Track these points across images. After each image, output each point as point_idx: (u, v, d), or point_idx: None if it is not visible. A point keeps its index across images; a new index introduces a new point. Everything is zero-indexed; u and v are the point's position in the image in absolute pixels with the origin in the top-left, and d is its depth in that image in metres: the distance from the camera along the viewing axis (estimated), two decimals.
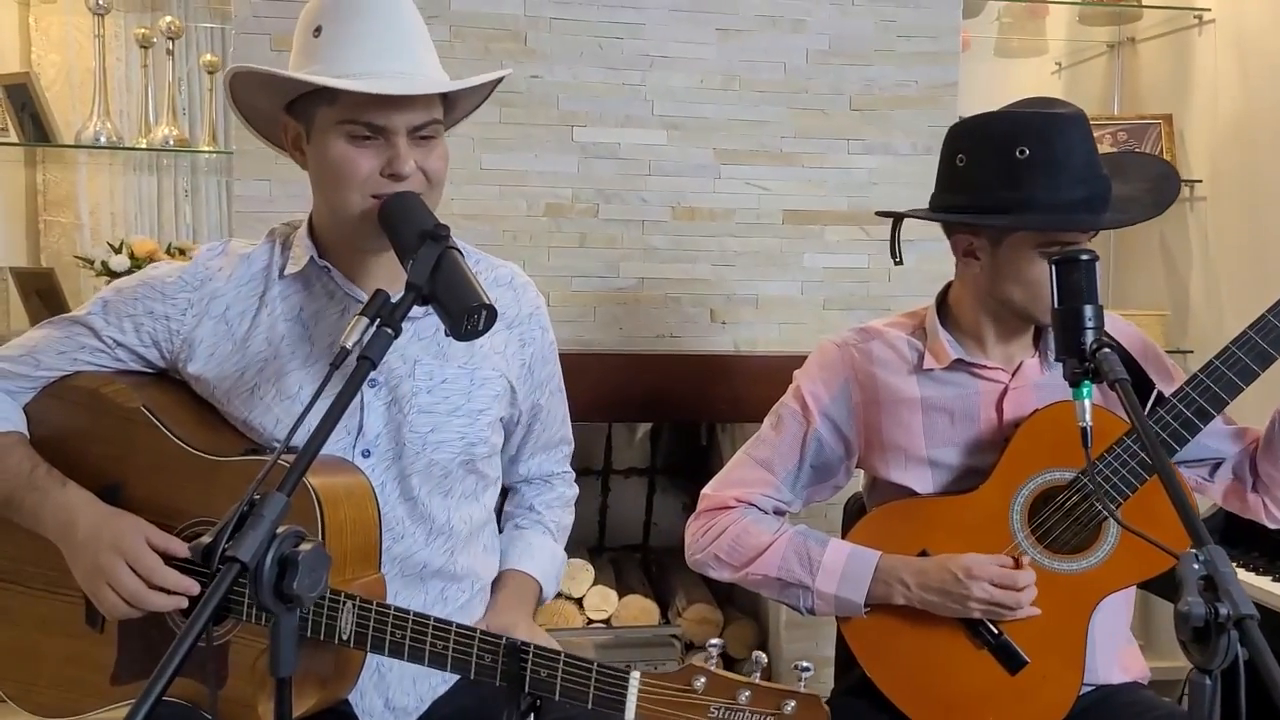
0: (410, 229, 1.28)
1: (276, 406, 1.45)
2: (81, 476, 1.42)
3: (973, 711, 1.60)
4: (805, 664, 1.20)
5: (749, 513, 1.71)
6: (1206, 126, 3.11)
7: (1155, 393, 1.53)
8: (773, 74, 2.56)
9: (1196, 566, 0.97)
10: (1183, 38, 3.18)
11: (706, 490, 1.76)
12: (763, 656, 1.21)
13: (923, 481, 1.66)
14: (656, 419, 2.98)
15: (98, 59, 3.12)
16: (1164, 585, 1.59)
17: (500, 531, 1.68)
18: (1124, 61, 3.43)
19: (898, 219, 1.72)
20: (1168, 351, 3.02)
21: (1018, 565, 1.56)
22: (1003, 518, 1.59)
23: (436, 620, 1.28)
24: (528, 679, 1.25)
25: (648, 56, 2.51)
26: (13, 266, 3.13)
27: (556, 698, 1.25)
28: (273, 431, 1.45)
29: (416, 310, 1.23)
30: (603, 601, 2.79)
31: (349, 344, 1.13)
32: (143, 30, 3.20)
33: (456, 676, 1.54)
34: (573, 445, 1.76)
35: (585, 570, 2.79)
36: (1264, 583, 2.20)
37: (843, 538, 1.70)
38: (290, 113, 1.43)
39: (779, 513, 1.74)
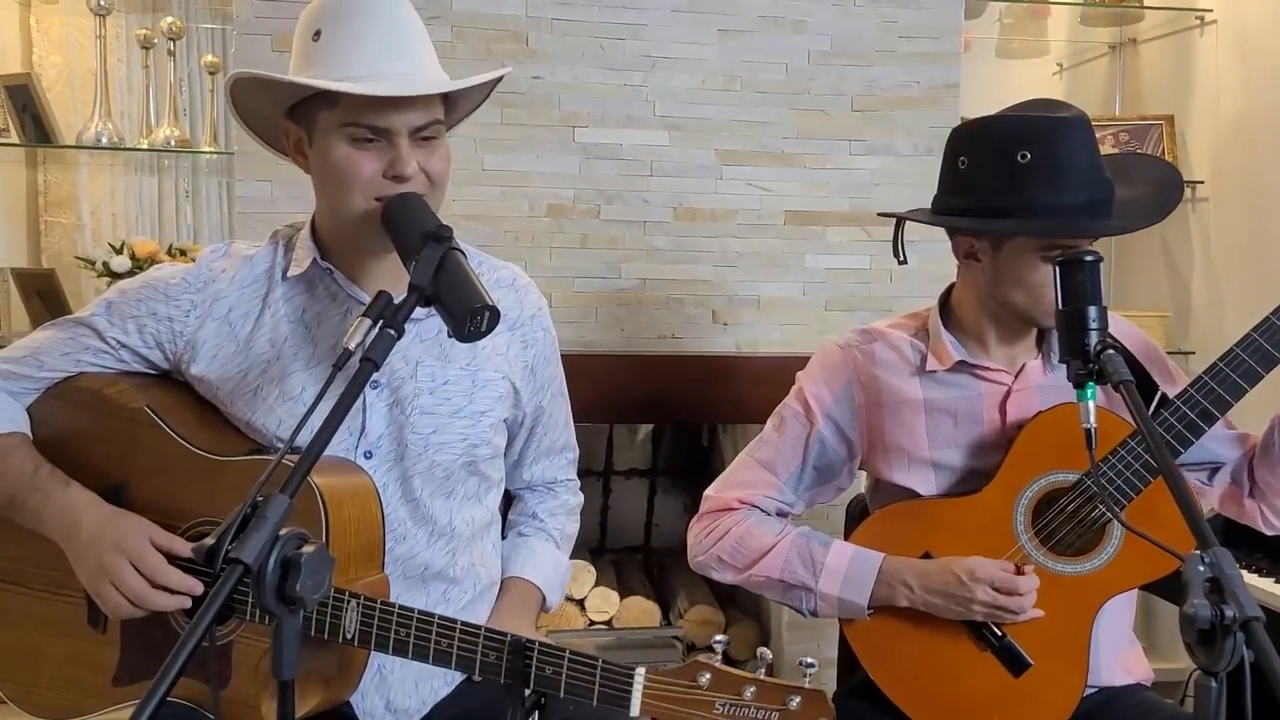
0: (413, 230, 1.28)
1: (279, 407, 1.45)
2: (85, 477, 1.42)
3: (976, 714, 1.59)
4: (810, 660, 1.20)
5: (752, 514, 1.70)
6: (1208, 127, 3.11)
7: (1159, 394, 1.52)
8: (774, 75, 2.56)
9: (1202, 569, 0.97)
10: (1184, 38, 3.18)
11: (709, 492, 1.76)
12: (767, 653, 1.21)
13: (926, 483, 1.66)
14: (658, 420, 2.98)
15: (99, 60, 3.12)
16: (1165, 587, 1.60)
17: (504, 538, 1.67)
18: (1125, 62, 3.43)
19: (900, 220, 1.72)
20: (1169, 353, 3.02)
21: (1020, 570, 1.55)
22: (1006, 520, 1.59)
23: (441, 618, 1.28)
24: (533, 676, 1.25)
25: (649, 57, 2.51)
26: (14, 267, 3.13)
27: (562, 695, 1.24)
28: (275, 432, 1.45)
29: (419, 311, 1.23)
30: (604, 603, 2.79)
31: (352, 345, 1.13)
32: (144, 31, 3.20)
33: (459, 679, 1.54)
34: (577, 452, 1.75)
35: (587, 571, 2.79)
36: (1267, 584, 2.20)
37: (845, 539, 1.70)
38: (291, 117, 1.43)
39: (782, 514, 1.74)
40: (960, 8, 2.66)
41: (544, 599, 1.63)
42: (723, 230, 2.57)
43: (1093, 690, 1.62)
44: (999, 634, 1.58)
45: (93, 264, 3.07)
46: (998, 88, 3.27)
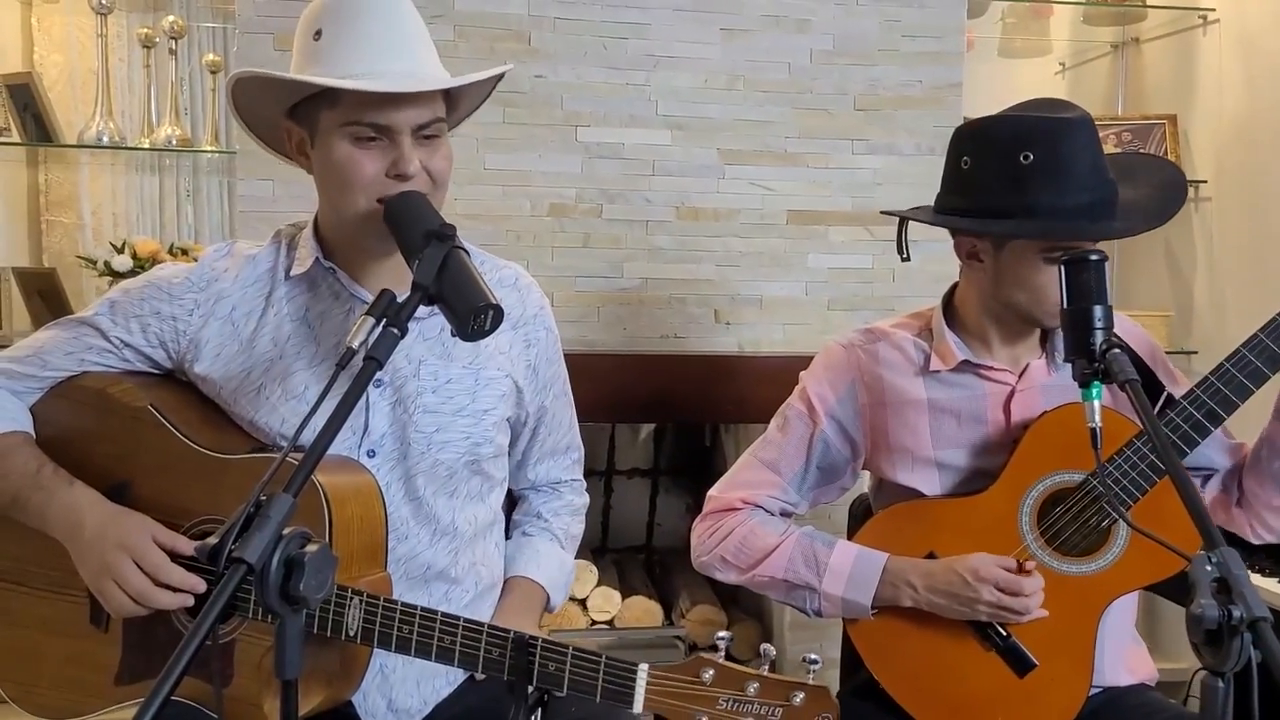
0: (415, 229, 1.28)
1: (282, 406, 1.44)
2: (88, 476, 1.42)
3: (980, 714, 1.59)
4: (813, 657, 1.20)
5: (755, 514, 1.70)
6: (1211, 127, 3.10)
7: (1165, 395, 1.52)
8: (777, 74, 2.56)
9: (1209, 569, 0.96)
10: (1187, 38, 3.18)
11: (713, 492, 1.75)
12: (770, 649, 1.21)
13: (930, 483, 1.65)
14: (660, 420, 2.98)
15: (100, 59, 3.12)
16: (1168, 587, 1.59)
17: (508, 539, 1.67)
18: (1128, 62, 3.43)
19: (903, 219, 1.71)
20: (1172, 353, 3.03)
21: (1022, 567, 1.55)
22: (1011, 520, 1.58)
23: (444, 615, 1.28)
24: (536, 672, 1.25)
25: (652, 56, 2.51)
26: (15, 266, 3.12)
27: (565, 691, 1.24)
28: (279, 431, 1.44)
29: (421, 310, 1.23)
30: (606, 602, 2.78)
31: (355, 344, 1.13)
32: (145, 30, 3.20)
33: (461, 678, 1.54)
34: (582, 452, 1.75)
35: (589, 571, 2.79)
36: (1270, 584, 2.19)
37: (849, 539, 1.69)
38: (293, 118, 1.42)
39: (785, 514, 1.74)
40: (963, 7, 2.65)
41: (548, 599, 1.62)
42: (725, 230, 2.57)
43: (1097, 690, 1.62)
44: (1004, 634, 1.57)
45: (94, 263, 3.07)
46: (1000, 87, 3.26)
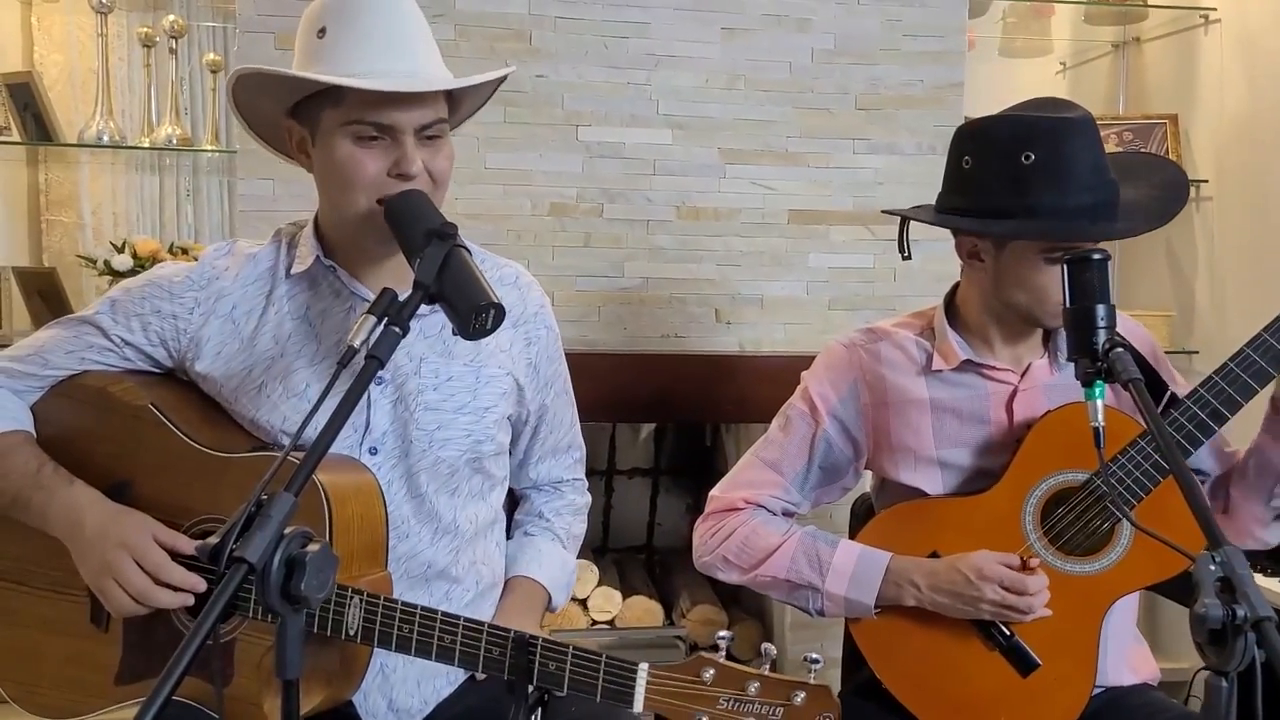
0: (417, 227, 1.27)
1: (284, 404, 1.44)
2: (89, 475, 1.42)
3: (984, 714, 1.59)
4: (815, 656, 1.19)
5: (758, 514, 1.70)
6: (1212, 126, 3.10)
7: (1169, 394, 1.52)
8: (778, 73, 2.56)
9: (1213, 568, 0.96)
10: (1188, 37, 3.18)
11: (715, 492, 1.75)
12: (771, 648, 1.21)
13: (933, 483, 1.65)
14: (661, 419, 2.97)
15: (100, 58, 3.11)
16: (1169, 586, 1.59)
17: (510, 539, 1.67)
18: (1129, 61, 3.42)
19: (905, 219, 1.71)
20: (1174, 352, 3.03)
21: (1026, 564, 1.55)
22: (1014, 519, 1.58)
23: (444, 614, 1.27)
24: (536, 672, 1.24)
25: (653, 56, 2.51)
26: (15, 266, 3.12)
27: (565, 691, 1.24)
28: (280, 429, 1.44)
29: (422, 308, 1.22)
30: (606, 602, 2.78)
31: (356, 343, 1.12)
32: (145, 29, 3.19)
33: (462, 678, 1.54)
34: (583, 451, 1.74)
35: (589, 571, 2.79)
36: (1273, 584, 2.19)
37: (851, 539, 1.69)
38: (294, 116, 1.42)
39: (788, 514, 1.73)
40: (964, 6, 2.65)
41: (549, 599, 1.62)
42: (726, 229, 2.57)
43: (1100, 690, 1.61)
44: (1007, 634, 1.57)
45: (94, 263, 3.06)
46: (1001, 87, 3.26)
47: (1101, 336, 1.25)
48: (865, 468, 1.75)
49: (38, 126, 3.12)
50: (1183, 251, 3.22)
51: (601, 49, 2.49)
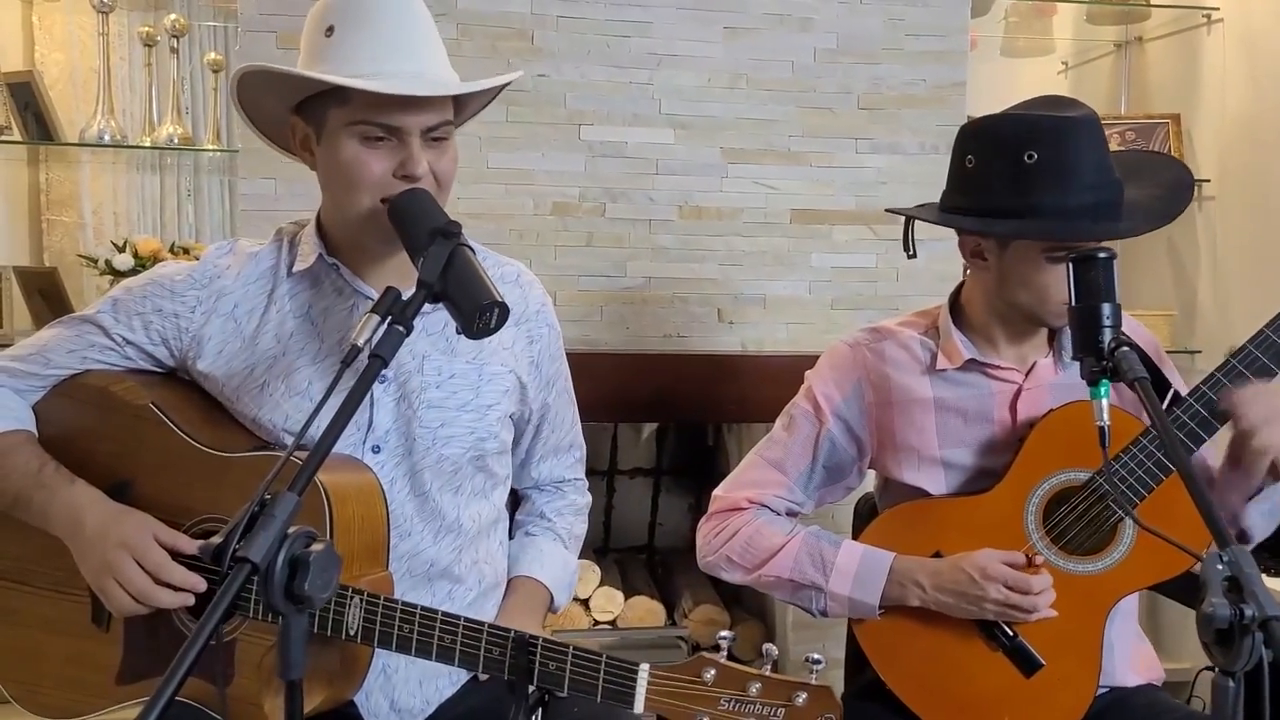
0: (421, 226, 1.27)
1: (286, 403, 1.44)
2: (90, 474, 1.42)
3: (987, 714, 1.58)
4: (817, 657, 1.19)
5: (761, 514, 1.69)
6: (1214, 126, 3.10)
7: (1172, 392, 1.51)
8: (780, 73, 2.56)
9: (1220, 567, 0.96)
10: (1191, 37, 3.17)
11: (718, 491, 1.75)
12: (773, 649, 1.20)
13: (936, 482, 1.65)
14: (663, 419, 2.97)
15: (101, 57, 3.11)
16: (1171, 586, 1.58)
17: (511, 539, 1.66)
18: (1131, 61, 3.42)
19: (910, 218, 1.71)
20: (1176, 352, 3.03)
21: (1031, 562, 1.55)
22: (1017, 519, 1.58)
23: (445, 614, 1.27)
24: (536, 672, 1.24)
25: (655, 55, 2.50)
26: (16, 265, 3.12)
27: (565, 691, 1.23)
28: (282, 428, 1.44)
29: (424, 305, 1.22)
30: (608, 603, 2.78)
31: (360, 342, 1.12)
32: (147, 28, 3.19)
33: (464, 679, 1.53)
34: (584, 451, 1.74)
35: (591, 571, 2.78)
36: (1275, 584, 2.19)
37: (854, 539, 1.69)
38: (299, 113, 1.42)
39: (791, 514, 1.73)
40: (967, 5, 2.65)
41: (551, 599, 1.62)
42: (728, 229, 2.56)
43: (1104, 690, 1.61)
44: (1010, 634, 1.57)
45: (95, 262, 3.06)
46: (1002, 86, 3.26)
47: (1107, 335, 1.25)
48: (869, 467, 1.75)
49: (38, 126, 3.12)
50: (1185, 251, 3.21)
51: (604, 48, 2.48)
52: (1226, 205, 3.06)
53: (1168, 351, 1.81)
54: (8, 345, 1.63)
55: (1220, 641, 0.94)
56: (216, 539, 0.97)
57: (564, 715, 1.39)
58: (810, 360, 1.78)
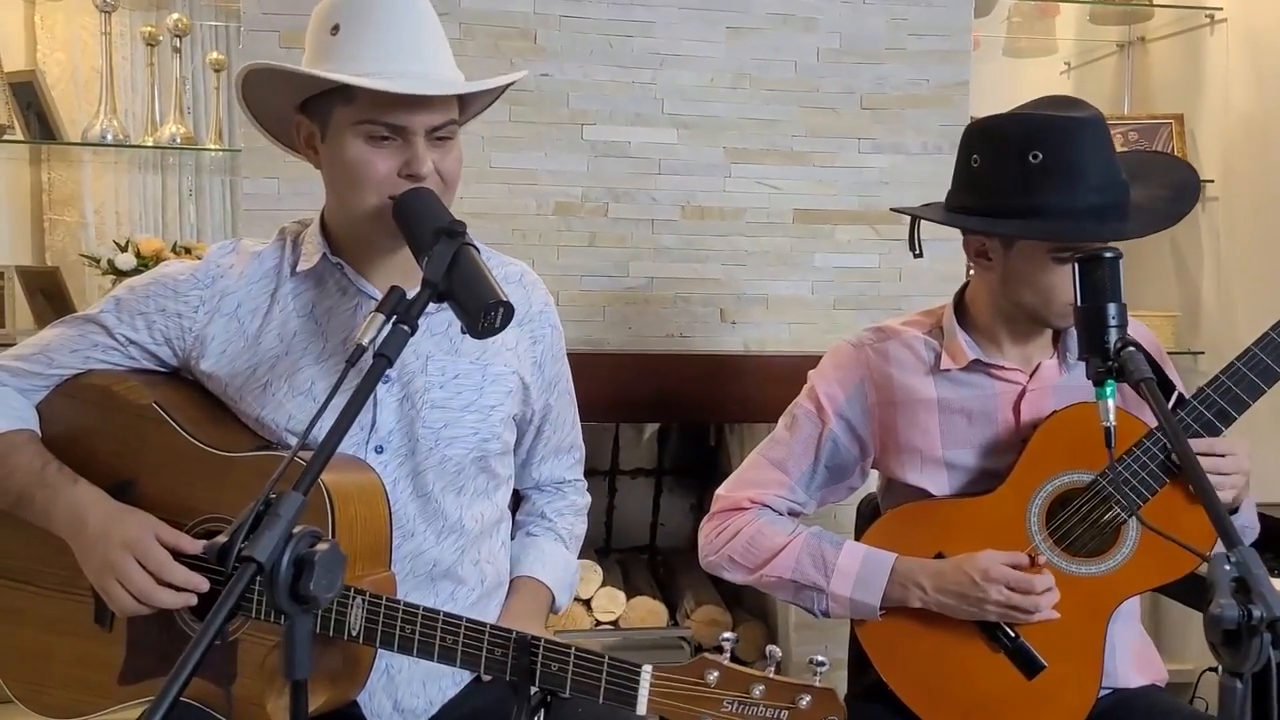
0: (426, 225, 1.27)
1: (289, 403, 1.44)
2: (93, 474, 1.42)
3: (989, 716, 1.58)
4: (820, 658, 1.18)
5: (763, 514, 1.69)
6: (1218, 126, 3.10)
7: (1176, 394, 1.51)
8: (783, 72, 2.55)
9: (1228, 568, 0.95)
10: (1194, 37, 3.17)
11: (720, 491, 1.75)
12: (776, 650, 1.20)
13: (939, 483, 1.65)
14: (665, 419, 2.97)
15: (104, 57, 3.11)
16: (1174, 588, 1.58)
17: (513, 539, 1.66)
18: (1134, 61, 3.42)
19: (915, 218, 1.71)
20: (1179, 353, 3.02)
21: (1034, 562, 1.54)
22: (1020, 520, 1.58)
23: (446, 615, 1.27)
24: (538, 673, 1.24)
25: (658, 55, 2.50)
26: (18, 265, 3.11)
27: (567, 692, 1.23)
28: (286, 427, 1.44)
29: (428, 305, 1.22)
30: (610, 603, 2.78)
31: (365, 341, 1.12)
32: (149, 28, 3.19)
33: (467, 679, 1.53)
34: (583, 451, 1.74)
35: (593, 571, 2.78)
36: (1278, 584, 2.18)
37: (856, 539, 1.69)
38: (304, 112, 1.42)
39: (793, 514, 1.73)
40: (970, 6, 2.65)
41: (553, 599, 1.62)
42: (731, 229, 2.56)
43: (1106, 692, 1.61)
44: (1012, 635, 1.56)
45: (97, 262, 3.06)
46: (1005, 87, 3.26)
47: (1113, 335, 1.25)
48: (872, 468, 1.75)
49: (41, 125, 3.11)
50: (1189, 252, 3.21)
51: (607, 48, 2.48)
52: (1230, 206, 3.06)
53: (1171, 353, 1.80)
54: (10, 345, 1.63)
55: (1228, 642, 0.94)
56: (221, 538, 0.97)
57: (567, 716, 1.39)
58: (813, 360, 1.78)
